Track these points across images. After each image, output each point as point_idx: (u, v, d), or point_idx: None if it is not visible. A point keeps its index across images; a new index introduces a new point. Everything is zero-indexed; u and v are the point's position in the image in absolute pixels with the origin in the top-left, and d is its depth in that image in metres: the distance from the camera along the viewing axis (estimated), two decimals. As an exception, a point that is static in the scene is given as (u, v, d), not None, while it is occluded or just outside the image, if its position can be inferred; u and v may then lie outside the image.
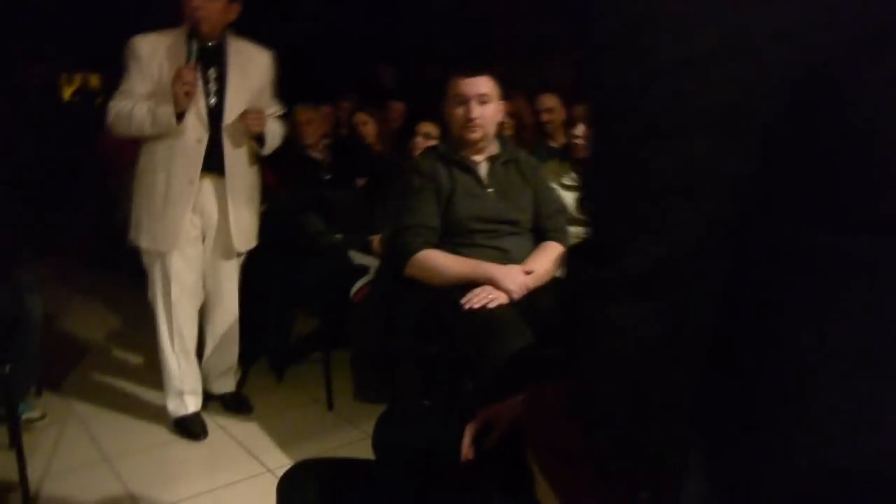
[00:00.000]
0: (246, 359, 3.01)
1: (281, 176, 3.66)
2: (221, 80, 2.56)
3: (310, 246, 3.13)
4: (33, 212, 5.56)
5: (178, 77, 2.37)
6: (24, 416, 2.65)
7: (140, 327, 2.71)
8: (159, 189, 2.53)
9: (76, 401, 2.96)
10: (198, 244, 2.62)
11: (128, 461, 2.47)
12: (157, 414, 2.74)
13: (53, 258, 5.21)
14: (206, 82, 2.53)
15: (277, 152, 4.26)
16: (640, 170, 0.61)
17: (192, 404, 2.69)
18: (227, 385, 2.90)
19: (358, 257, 3.01)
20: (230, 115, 2.55)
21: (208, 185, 2.59)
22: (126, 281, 3.98)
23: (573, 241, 2.51)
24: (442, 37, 6.86)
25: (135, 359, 3.41)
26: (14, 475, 2.19)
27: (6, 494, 2.23)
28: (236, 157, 2.61)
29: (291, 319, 3.38)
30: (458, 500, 1.16)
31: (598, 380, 0.66)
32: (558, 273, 2.34)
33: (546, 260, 2.25)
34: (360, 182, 4.00)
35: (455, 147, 2.32)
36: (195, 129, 2.50)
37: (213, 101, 2.54)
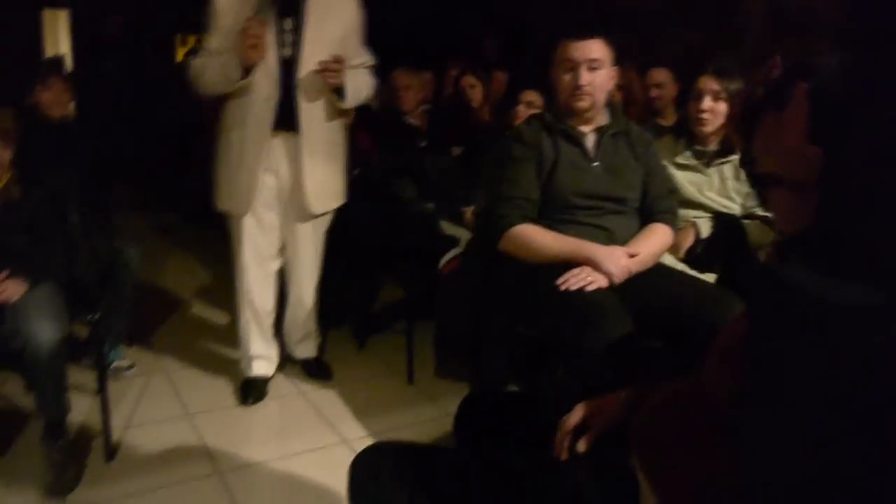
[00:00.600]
0: (328, 324, 2.96)
1: (376, 140, 3.58)
2: (297, 31, 2.37)
3: (400, 213, 3.04)
4: (139, 165, 5.76)
5: (244, 30, 2.25)
6: (113, 365, 2.70)
7: (234, 285, 2.68)
8: (234, 148, 2.44)
9: (164, 354, 3.00)
10: (273, 206, 2.52)
11: (208, 418, 2.47)
12: (241, 374, 2.72)
13: (157, 212, 5.37)
14: (279, 33, 2.36)
15: (373, 115, 4.19)
16: None
17: (258, 368, 2.64)
18: (307, 350, 2.83)
19: (449, 228, 2.90)
20: (305, 68, 2.37)
21: (281, 143, 2.43)
22: (224, 238, 4.03)
23: (682, 224, 2.30)
24: (549, 9, 6.64)
25: (225, 317, 3.44)
26: (99, 421, 2.22)
27: (90, 439, 2.26)
28: (312, 113, 2.42)
29: (376, 287, 3.32)
30: (548, 505, 1.03)
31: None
32: (667, 259, 2.15)
33: (652, 243, 2.06)
34: (457, 151, 3.88)
35: (561, 116, 2.15)
36: (265, 84, 2.36)
37: (287, 53, 2.37)
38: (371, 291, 3.31)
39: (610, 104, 2.21)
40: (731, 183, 2.37)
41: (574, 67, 2.07)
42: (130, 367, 2.77)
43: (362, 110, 3.83)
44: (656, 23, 5.64)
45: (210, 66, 2.37)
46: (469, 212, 3.00)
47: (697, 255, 2.30)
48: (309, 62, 2.36)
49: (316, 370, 2.81)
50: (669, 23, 5.61)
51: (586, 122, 2.14)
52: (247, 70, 2.31)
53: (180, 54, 9.64)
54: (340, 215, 2.71)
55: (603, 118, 2.17)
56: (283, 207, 2.54)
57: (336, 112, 2.51)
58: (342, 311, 3.23)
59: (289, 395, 2.67)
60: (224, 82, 2.36)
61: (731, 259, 2.27)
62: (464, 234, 2.82)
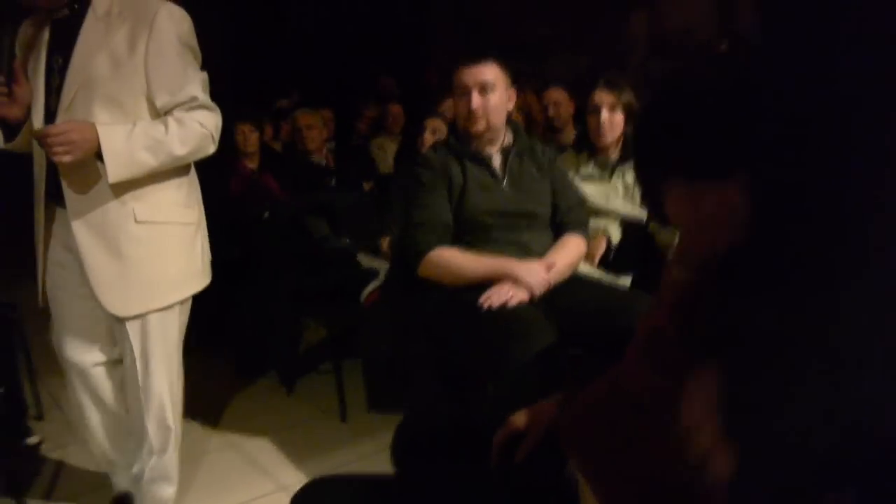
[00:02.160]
0: (254, 372, 2.88)
1: (282, 182, 3.55)
2: (63, 72, 1.75)
3: (316, 252, 3.01)
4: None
5: None
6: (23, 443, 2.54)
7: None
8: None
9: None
10: (85, 293, 1.85)
11: (132, 484, 2.34)
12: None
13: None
14: (49, 75, 1.78)
15: (278, 157, 4.14)
16: None
17: None
18: None
19: (367, 261, 2.88)
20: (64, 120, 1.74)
21: (59, 218, 1.87)
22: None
23: (594, 233, 2.38)
24: (442, 43, 6.84)
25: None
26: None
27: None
28: (79, 182, 1.76)
29: (300, 329, 3.26)
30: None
31: None
32: (583, 267, 2.21)
33: (567, 253, 2.11)
34: (367, 186, 3.90)
35: (465, 140, 2.19)
36: (36, 146, 1.79)
37: (54, 103, 1.77)
38: (294, 334, 3.25)
39: (511, 123, 2.27)
40: (634, 189, 2.47)
41: (467, 92, 2.12)
42: (40, 442, 2.60)
43: (266, 153, 3.80)
44: (545, 48, 5.90)
45: None
46: (385, 242, 3.00)
47: (610, 262, 2.37)
48: (72, 111, 1.73)
49: None
50: (557, 48, 5.88)
51: (490, 143, 2.19)
52: (10, 130, 1.79)
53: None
54: (252, 261, 2.65)
55: (506, 138, 2.22)
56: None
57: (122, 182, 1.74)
58: (267, 357, 3.15)
59: (219, 447, 2.57)
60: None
61: (643, 262, 2.36)
62: (382, 266, 2.81)
